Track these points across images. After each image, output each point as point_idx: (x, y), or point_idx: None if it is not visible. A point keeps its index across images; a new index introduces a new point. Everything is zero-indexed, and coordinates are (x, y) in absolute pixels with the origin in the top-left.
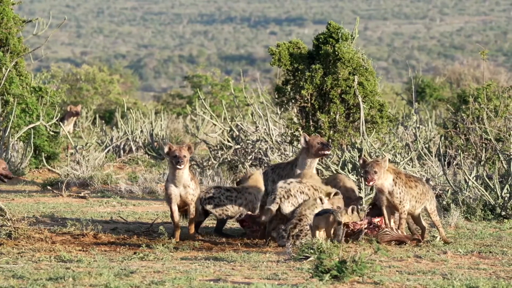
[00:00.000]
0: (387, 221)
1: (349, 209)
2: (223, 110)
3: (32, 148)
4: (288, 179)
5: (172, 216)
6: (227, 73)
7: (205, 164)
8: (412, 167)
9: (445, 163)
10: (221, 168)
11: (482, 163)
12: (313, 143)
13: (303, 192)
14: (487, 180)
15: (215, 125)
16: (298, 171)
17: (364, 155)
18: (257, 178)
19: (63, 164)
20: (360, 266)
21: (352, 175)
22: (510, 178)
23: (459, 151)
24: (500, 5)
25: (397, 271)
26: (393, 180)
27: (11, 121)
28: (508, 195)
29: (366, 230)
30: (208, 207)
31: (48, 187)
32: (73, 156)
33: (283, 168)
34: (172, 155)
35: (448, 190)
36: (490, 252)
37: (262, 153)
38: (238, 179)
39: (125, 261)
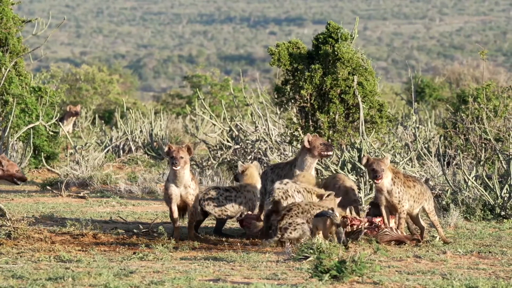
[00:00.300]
0: (386, 220)
1: (347, 210)
2: (223, 110)
3: (32, 148)
4: (284, 180)
5: (171, 216)
6: (227, 73)
7: (204, 164)
8: (412, 167)
9: (445, 163)
10: (221, 168)
11: (481, 163)
12: (316, 143)
13: (299, 192)
14: (487, 180)
15: (215, 125)
16: (298, 172)
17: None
18: (252, 173)
19: (62, 164)
20: (360, 266)
21: (352, 175)
22: (509, 178)
23: (459, 151)
24: (500, 5)
25: (396, 271)
26: (392, 179)
27: (10, 121)
28: (507, 195)
29: (366, 230)
30: (208, 208)
31: (48, 187)
32: (72, 156)
33: (282, 168)
34: (170, 156)
35: (448, 190)
36: (490, 252)
37: (261, 153)
38: (235, 173)
39: (125, 261)
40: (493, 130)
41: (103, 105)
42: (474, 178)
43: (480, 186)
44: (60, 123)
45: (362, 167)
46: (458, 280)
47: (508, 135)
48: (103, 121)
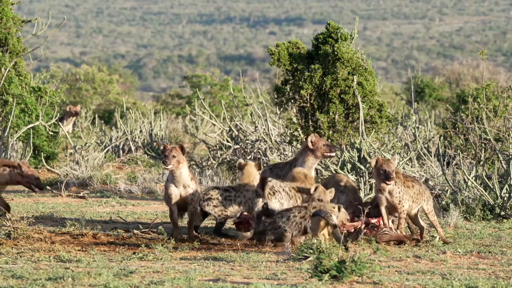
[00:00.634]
0: (386, 220)
1: (336, 208)
2: (222, 110)
3: (32, 148)
4: (268, 178)
5: (171, 216)
6: (226, 73)
7: (204, 164)
8: (412, 167)
9: (444, 163)
10: (220, 168)
11: (481, 163)
12: (319, 144)
13: (284, 190)
14: (487, 180)
15: (214, 125)
16: None
17: (374, 156)
18: (250, 171)
19: (62, 164)
20: (359, 266)
21: (352, 175)
22: (509, 178)
23: (458, 151)
24: (500, 5)
25: (396, 271)
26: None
27: (10, 121)
28: (507, 195)
29: (365, 230)
30: (207, 209)
31: (48, 187)
32: (72, 156)
33: (281, 168)
34: (162, 155)
35: (447, 190)
36: (489, 252)
37: (261, 153)
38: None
39: (124, 261)
40: (493, 130)
41: (103, 105)
42: (474, 178)
43: (480, 186)
44: (60, 123)
45: (371, 167)
46: (458, 280)
47: (508, 135)
48: (103, 121)
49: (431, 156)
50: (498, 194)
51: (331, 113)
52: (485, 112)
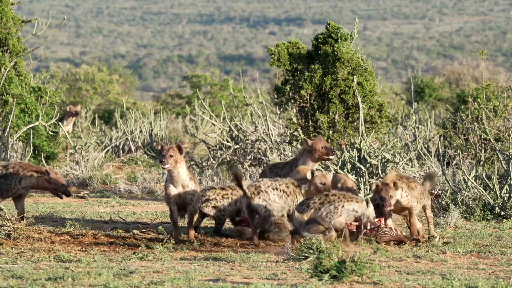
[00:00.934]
0: (387, 221)
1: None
2: (222, 110)
3: (31, 148)
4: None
5: (171, 216)
6: (226, 73)
7: (204, 164)
8: (412, 167)
9: (444, 163)
10: (220, 168)
11: (481, 163)
12: (318, 147)
13: (276, 189)
14: (486, 180)
15: (214, 125)
16: None
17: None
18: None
19: (62, 164)
20: (359, 266)
21: (352, 175)
22: (509, 178)
23: (458, 151)
24: (499, 5)
25: (396, 271)
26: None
27: (10, 121)
28: (507, 195)
29: (365, 230)
30: (206, 210)
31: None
32: (72, 156)
33: (281, 168)
34: (160, 155)
35: (447, 190)
36: (489, 252)
37: (261, 153)
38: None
39: (124, 261)
40: (493, 130)
41: (103, 105)
42: (474, 178)
43: (480, 186)
44: (60, 123)
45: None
46: (458, 280)
47: (508, 135)
48: (103, 121)
49: (431, 156)
50: (498, 194)
51: (331, 113)
52: (485, 112)
